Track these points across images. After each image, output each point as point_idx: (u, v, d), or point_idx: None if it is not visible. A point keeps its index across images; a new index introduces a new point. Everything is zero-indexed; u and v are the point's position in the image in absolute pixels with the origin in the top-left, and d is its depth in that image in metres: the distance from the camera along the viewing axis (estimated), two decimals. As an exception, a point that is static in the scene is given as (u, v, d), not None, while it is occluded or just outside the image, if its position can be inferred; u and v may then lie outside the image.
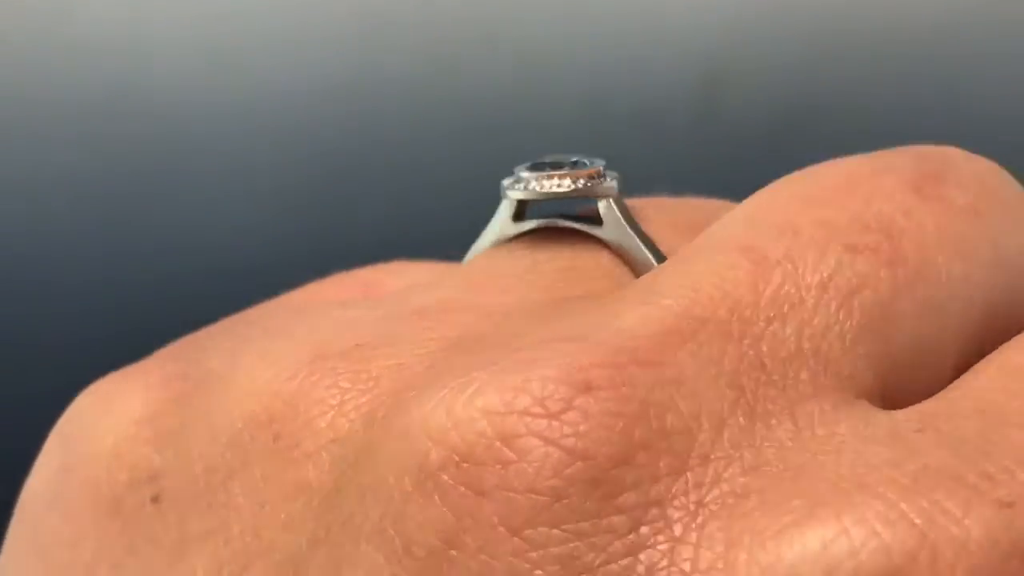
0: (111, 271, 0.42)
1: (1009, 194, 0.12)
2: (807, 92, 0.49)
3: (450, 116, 0.49)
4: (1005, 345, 0.11)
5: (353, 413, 0.11)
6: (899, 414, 0.10)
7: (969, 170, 0.12)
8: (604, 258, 0.14)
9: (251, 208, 0.46)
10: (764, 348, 0.10)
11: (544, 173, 0.14)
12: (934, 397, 0.11)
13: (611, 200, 0.14)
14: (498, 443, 0.10)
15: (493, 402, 0.10)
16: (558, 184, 0.13)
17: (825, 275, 0.11)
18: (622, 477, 0.09)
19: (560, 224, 0.14)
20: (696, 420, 0.10)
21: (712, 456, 0.10)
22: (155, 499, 0.11)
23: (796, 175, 0.13)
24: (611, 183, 0.14)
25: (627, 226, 0.14)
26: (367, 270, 0.15)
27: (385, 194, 0.47)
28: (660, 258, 0.13)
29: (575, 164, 0.14)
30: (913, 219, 0.12)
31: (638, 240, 0.13)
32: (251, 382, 0.11)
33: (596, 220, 0.14)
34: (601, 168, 0.14)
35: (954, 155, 0.13)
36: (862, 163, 0.13)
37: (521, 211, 0.14)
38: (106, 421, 0.12)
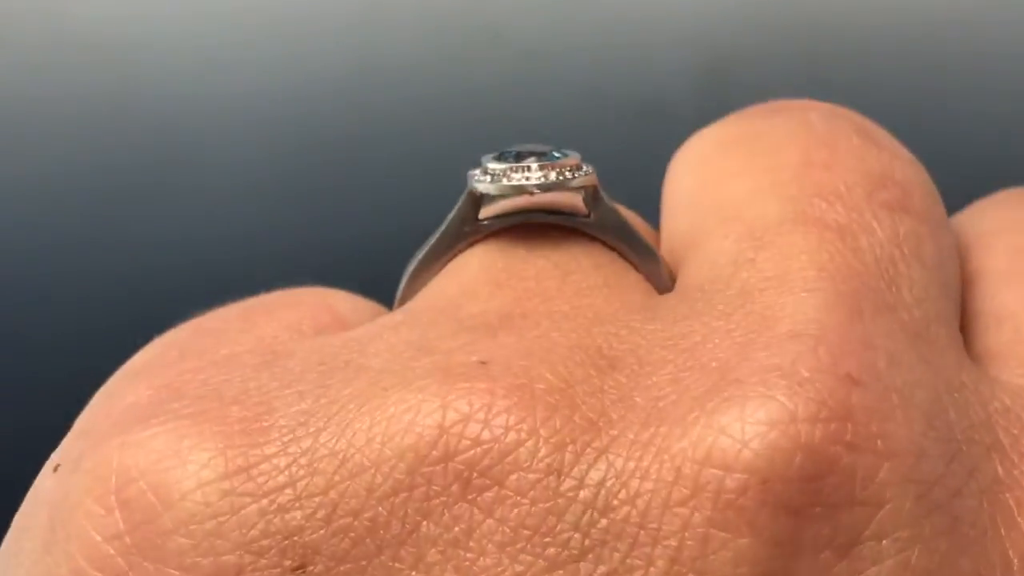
0: (108, 269, 0.42)
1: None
2: (810, 84, 0.49)
3: (450, 108, 0.49)
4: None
5: (555, 440, 0.09)
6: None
7: (858, 116, 0.13)
8: (605, 251, 0.12)
9: (248, 204, 0.46)
10: (905, 316, 0.10)
11: (516, 164, 0.12)
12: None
13: (598, 191, 0.12)
14: (799, 457, 0.09)
15: (776, 413, 0.09)
16: (541, 177, 0.12)
17: (891, 234, 0.11)
18: (935, 468, 0.09)
19: (544, 220, 0.12)
20: (939, 387, 0.10)
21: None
22: (299, 568, 0.09)
23: (738, 137, 0.13)
24: (590, 174, 0.12)
25: (620, 215, 0.12)
26: (298, 293, 0.13)
27: (386, 189, 0.47)
28: (649, 248, 0.12)
29: (545, 155, 0.12)
30: (898, 166, 0.12)
31: (634, 229, 0.12)
32: (388, 416, 0.10)
33: (576, 213, 0.12)
34: (579, 160, 0.12)
35: (837, 107, 0.13)
36: (810, 119, 0.13)
37: (480, 203, 0.12)
38: (184, 477, 0.10)
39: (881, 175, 0.12)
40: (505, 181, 0.12)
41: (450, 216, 0.12)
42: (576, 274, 0.12)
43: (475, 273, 0.12)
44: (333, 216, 0.45)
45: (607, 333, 0.10)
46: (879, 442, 0.09)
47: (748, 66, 0.49)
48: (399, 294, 0.13)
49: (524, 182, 0.12)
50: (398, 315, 0.12)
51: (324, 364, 0.11)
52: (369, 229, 0.43)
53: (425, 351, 0.10)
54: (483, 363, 0.10)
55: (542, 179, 0.12)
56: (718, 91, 0.49)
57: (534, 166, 0.12)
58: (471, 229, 0.12)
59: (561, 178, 0.12)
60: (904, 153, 0.13)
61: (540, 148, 0.12)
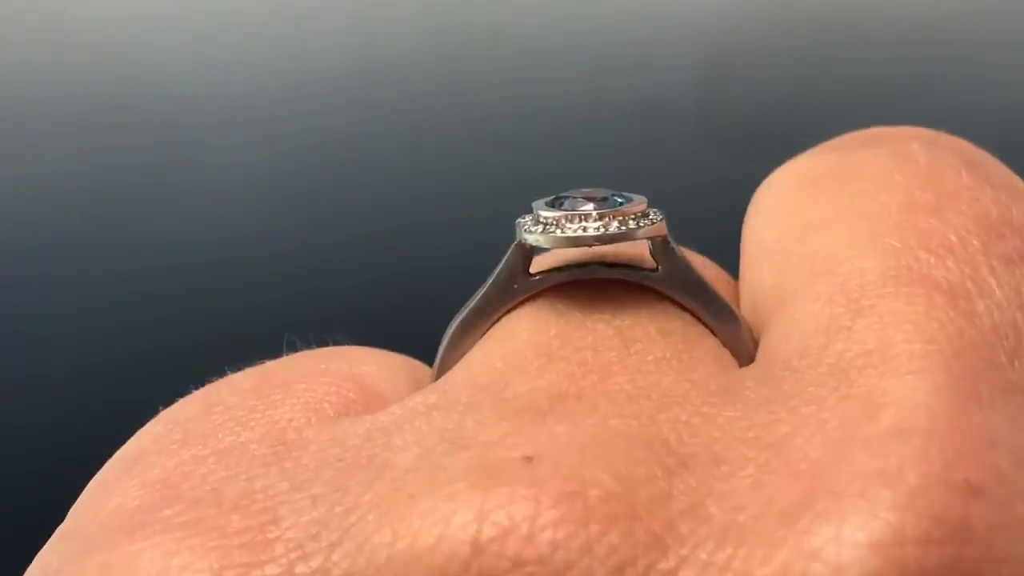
0: (108, 268, 0.42)
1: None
2: (810, 81, 0.48)
3: (451, 108, 0.49)
4: None
5: (613, 560, 0.08)
6: None
7: (966, 145, 0.11)
8: (676, 311, 0.10)
9: (247, 203, 0.46)
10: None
11: (572, 212, 0.10)
12: None
13: (667, 241, 0.10)
14: None
15: (880, 532, 0.08)
16: (600, 227, 0.10)
17: (1012, 293, 0.09)
18: None
19: (604, 275, 0.10)
20: None
21: None
22: None
23: (829, 174, 0.11)
24: (659, 222, 0.10)
25: (693, 270, 0.10)
26: (323, 359, 0.11)
27: (385, 188, 0.47)
28: (727, 308, 0.11)
29: (605, 200, 0.11)
30: (1017, 208, 0.10)
31: (709, 286, 0.11)
32: (413, 530, 0.08)
33: (642, 266, 0.10)
34: (645, 206, 0.10)
35: (940, 135, 0.12)
36: (911, 152, 0.11)
37: (531, 255, 0.11)
38: None
39: (998, 220, 0.10)
40: (559, 232, 0.10)
41: (496, 271, 0.11)
42: (640, 343, 0.10)
43: (524, 341, 0.10)
44: (333, 215, 0.45)
45: (676, 421, 0.09)
46: (1004, 569, 0.08)
47: (748, 64, 0.49)
48: (439, 358, 0.11)
49: (581, 233, 0.10)
50: (433, 395, 0.10)
51: (343, 460, 0.09)
52: (369, 229, 0.43)
53: (460, 444, 0.09)
54: (528, 460, 0.08)
55: (601, 229, 0.10)
56: (718, 89, 0.49)
57: (592, 214, 0.10)
58: (521, 286, 0.10)
59: (624, 228, 0.10)
60: (1021, 188, 0.11)
61: (600, 192, 0.11)
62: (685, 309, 0.10)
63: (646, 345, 0.10)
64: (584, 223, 0.10)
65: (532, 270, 0.10)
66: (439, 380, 0.10)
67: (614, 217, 0.10)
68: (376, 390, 0.11)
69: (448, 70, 0.48)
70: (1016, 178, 0.11)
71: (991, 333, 0.09)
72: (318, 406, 0.10)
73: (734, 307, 0.11)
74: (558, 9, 0.48)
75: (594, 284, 0.10)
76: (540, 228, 0.10)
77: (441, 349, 0.11)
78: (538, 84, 0.49)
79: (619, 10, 0.48)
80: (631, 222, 0.10)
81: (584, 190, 0.11)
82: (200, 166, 0.46)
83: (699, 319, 0.10)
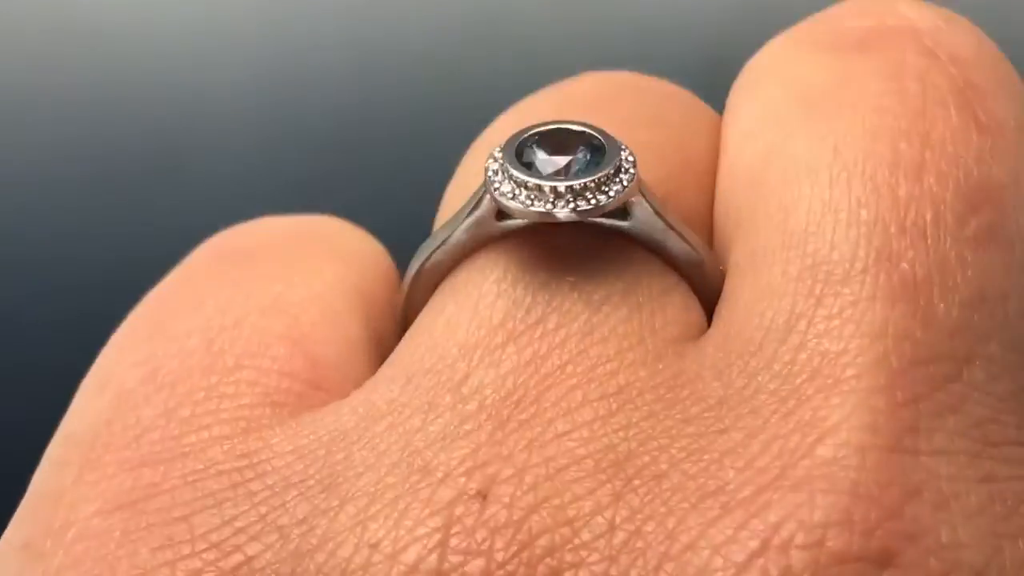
0: (108, 265, 0.42)
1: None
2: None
3: (449, 107, 0.49)
4: None
5: None
6: None
7: (965, 51, 0.11)
8: (644, 261, 0.10)
9: (244, 202, 0.46)
10: (972, 408, 0.09)
11: (541, 182, 0.10)
12: None
13: (640, 193, 0.10)
14: None
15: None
16: (570, 201, 0.10)
17: (976, 288, 0.09)
18: None
19: (573, 219, 0.10)
20: (1003, 531, 0.08)
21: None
22: None
23: (826, 88, 0.11)
24: (630, 184, 0.10)
25: (662, 221, 0.10)
26: (255, 335, 0.11)
27: (383, 186, 0.47)
28: (693, 253, 0.10)
29: (577, 149, 0.10)
30: (997, 165, 0.10)
31: (677, 233, 0.10)
32: (369, 563, 0.08)
33: (613, 214, 0.10)
34: (619, 157, 0.10)
35: (941, 37, 0.11)
36: (906, 75, 0.11)
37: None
38: None
39: (977, 184, 0.10)
40: (528, 203, 0.10)
41: (465, 209, 0.10)
42: (603, 313, 0.10)
43: (486, 309, 0.10)
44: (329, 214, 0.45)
45: (627, 427, 0.09)
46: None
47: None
48: (404, 293, 0.11)
49: (550, 208, 0.10)
50: (393, 387, 0.10)
51: (306, 479, 0.09)
52: (365, 228, 0.43)
53: (418, 465, 0.09)
54: (483, 498, 0.08)
55: (572, 206, 0.10)
56: (719, 87, 0.49)
57: (562, 187, 0.10)
58: (489, 228, 0.10)
59: (595, 202, 0.10)
60: (1010, 123, 0.10)
61: (570, 151, 0.10)
62: (654, 252, 0.10)
63: (607, 316, 0.10)
64: (555, 195, 0.10)
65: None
66: (399, 354, 0.10)
67: (584, 190, 0.10)
68: (324, 361, 0.10)
69: (447, 66, 0.48)
70: (1010, 104, 0.10)
71: (946, 340, 0.09)
72: (272, 397, 0.10)
73: (703, 247, 0.10)
74: (558, 9, 0.48)
75: (563, 229, 0.10)
76: (509, 191, 0.10)
77: (406, 285, 0.11)
78: (537, 81, 0.49)
79: (619, 8, 0.48)
80: (600, 196, 0.10)
81: (551, 123, 0.10)
82: (198, 164, 0.46)
83: (667, 262, 0.10)
